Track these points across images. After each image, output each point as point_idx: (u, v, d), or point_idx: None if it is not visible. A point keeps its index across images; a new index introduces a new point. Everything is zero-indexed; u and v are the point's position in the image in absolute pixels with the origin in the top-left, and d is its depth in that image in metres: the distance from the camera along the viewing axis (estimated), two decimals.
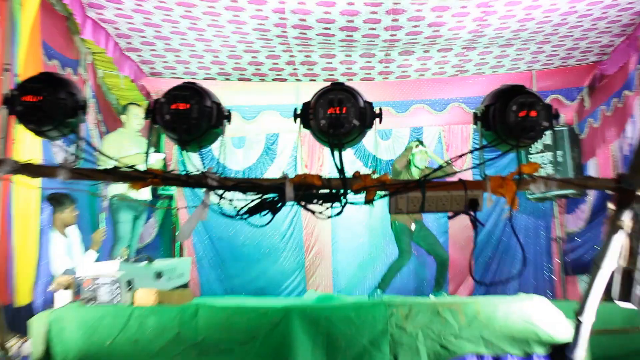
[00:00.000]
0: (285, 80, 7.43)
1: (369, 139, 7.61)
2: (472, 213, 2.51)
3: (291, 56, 6.66)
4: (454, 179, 2.58)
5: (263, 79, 7.41)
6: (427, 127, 7.80)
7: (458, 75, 7.38)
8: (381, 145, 7.79)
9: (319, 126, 2.46)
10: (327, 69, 7.06)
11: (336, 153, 2.48)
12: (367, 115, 2.51)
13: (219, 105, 2.57)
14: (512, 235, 7.47)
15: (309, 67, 7.02)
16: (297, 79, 7.39)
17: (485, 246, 7.50)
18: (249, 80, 7.41)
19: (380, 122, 2.55)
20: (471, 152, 2.62)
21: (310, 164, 7.66)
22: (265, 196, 2.52)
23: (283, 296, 7.62)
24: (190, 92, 2.51)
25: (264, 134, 7.84)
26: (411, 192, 2.51)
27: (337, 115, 2.45)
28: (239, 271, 7.70)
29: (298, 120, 2.53)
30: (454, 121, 7.61)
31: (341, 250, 7.75)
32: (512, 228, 2.56)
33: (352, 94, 2.51)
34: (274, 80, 7.43)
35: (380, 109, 2.56)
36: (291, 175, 2.63)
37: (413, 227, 6.59)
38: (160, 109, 2.49)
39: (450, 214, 2.55)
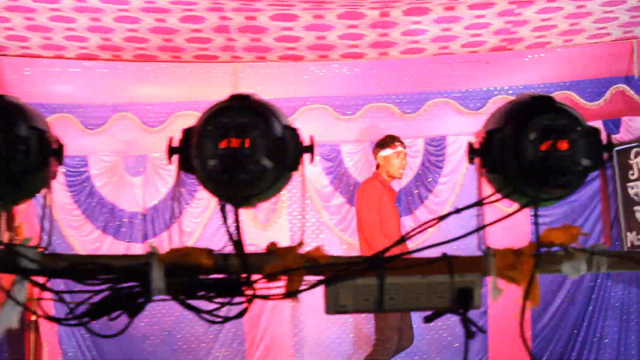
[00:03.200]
0: (215, 58, 7.48)
1: (352, 157, 7.77)
2: (462, 311, 2.54)
3: (223, 18, 6.73)
4: (435, 252, 2.61)
5: (177, 57, 7.47)
6: (453, 136, 7.93)
7: (506, 49, 7.46)
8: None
9: (206, 169, 2.48)
10: (283, 39, 7.12)
11: (231, 213, 2.51)
12: (289, 150, 2.52)
13: (42, 132, 2.59)
14: (601, 314, 7.63)
15: (254, 36, 7.07)
16: (234, 57, 7.44)
17: (556, 330, 7.59)
18: (153, 59, 7.47)
19: (312, 160, 2.58)
20: (458, 211, 2.58)
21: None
22: (117, 286, 2.54)
23: None
24: None
25: None
26: (361, 277, 2.53)
27: (235, 151, 2.47)
28: None
29: (174, 158, 2.56)
30: None
31: (310, 344, 7.85)
32: (523, 340, 2.58)
33: (262, 113, 2.53)
34: (195, 58, 7.48)
35: (312, 139, 2.58)
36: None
37: None
38: None
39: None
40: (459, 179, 7.86)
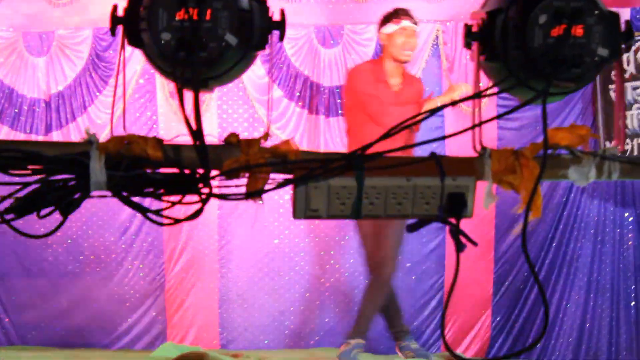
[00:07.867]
0: None
1: (294, 43, 7.71)
2: (453, 221, 2.55)
3: None
4: (423, 150, 2.61)
5: None
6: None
7: None
8: (323, 57, 7.85)
9: (159, 45, 2.44)
10: None
11: (189, 97, 2.47)
12: (256, 26, 2.49)
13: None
14: (572, 234, 7.78)
15: None
16: None
17: (521, 252, 7.69)
18: None
19: (281, 37, 2.55)
20: (454, 104, 2.56)
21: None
22: (49, 179, 2.51)
23: (116, 349, 7.83)
24: None
25: (89, 27, 7.77)
26: (336, 178, 2.52)
27: (194, 23, 2.42)
28: (36, 299, 7.78)
29: (118, 30, 2.51)
30: (465, 12, 7.62)
31: (237, 258, 7.88)
32: (525, 254, 2.62)
33: None
34: None
35: (282, 13, 2.55)
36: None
37: None
38: None
39: (410, 221, 2.57)
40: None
